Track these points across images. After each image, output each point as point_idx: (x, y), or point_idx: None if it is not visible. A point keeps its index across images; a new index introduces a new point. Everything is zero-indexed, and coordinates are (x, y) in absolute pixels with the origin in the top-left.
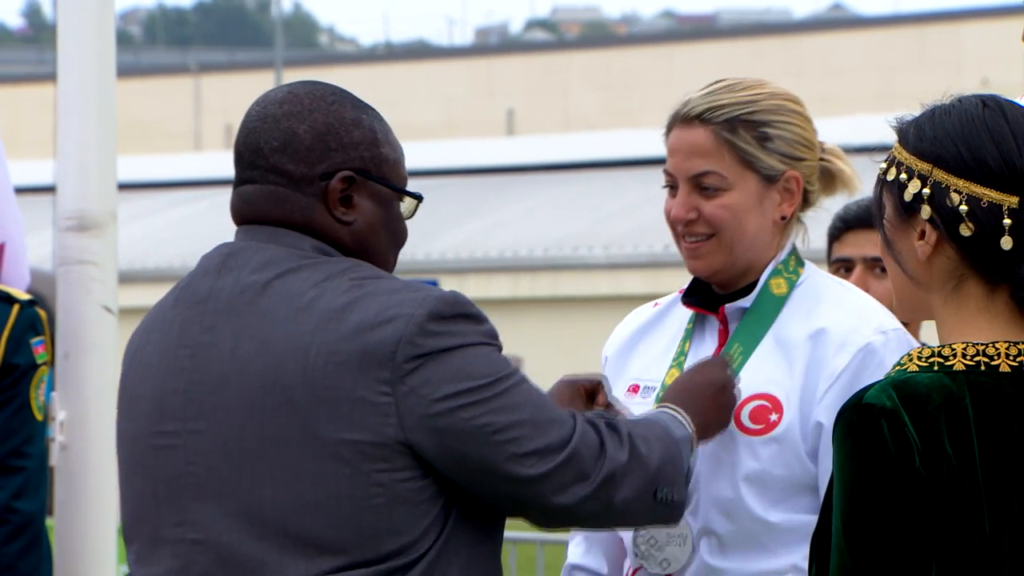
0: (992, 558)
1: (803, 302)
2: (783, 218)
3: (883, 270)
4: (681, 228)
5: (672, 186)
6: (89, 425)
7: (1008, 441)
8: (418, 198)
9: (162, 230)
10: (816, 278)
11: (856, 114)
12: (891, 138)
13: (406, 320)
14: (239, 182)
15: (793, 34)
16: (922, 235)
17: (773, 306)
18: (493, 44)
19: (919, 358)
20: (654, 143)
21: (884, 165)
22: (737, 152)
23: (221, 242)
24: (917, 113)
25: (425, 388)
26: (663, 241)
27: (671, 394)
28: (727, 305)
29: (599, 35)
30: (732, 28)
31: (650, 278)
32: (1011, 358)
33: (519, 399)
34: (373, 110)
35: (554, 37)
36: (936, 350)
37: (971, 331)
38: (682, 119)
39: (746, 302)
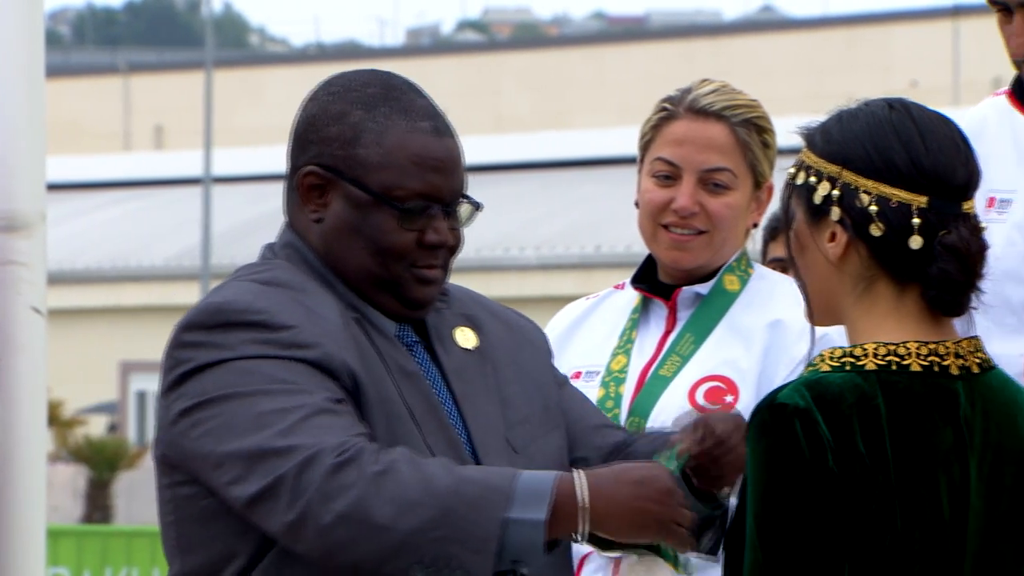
0: (903, 556)
1: (756, 296)
2: (755, 225)
3: None
4: (674, 218)
5: (668, 176)
6: (19, 427)
7: (919, 440)
8: (399, 208)
9: (91, 231)
10: (767, 275)
11: (786, 116)
12: None
13: (173, 331)
14: None
15: (723, 36)
16: (832, 237)
17: (726, 299)
18: (424, 45)
19: (831, 358)
20: (586, 144)
21: (792, 170)
22: (749, 154)
23: (150, 243)
24: (823, 118)
25: (176, 404)
26: (595, 242)
27: (603, 473)
28: (684, 288)
29: (530, 36)
30: (663, 30)
31: (582, 279)
32: (922, 357)
33: (240, 422)
34: (392, 108)
35: (485, 38)
36: (848, 350)
37: (882, 331)
38: (697, 112)
39: (703, 288)
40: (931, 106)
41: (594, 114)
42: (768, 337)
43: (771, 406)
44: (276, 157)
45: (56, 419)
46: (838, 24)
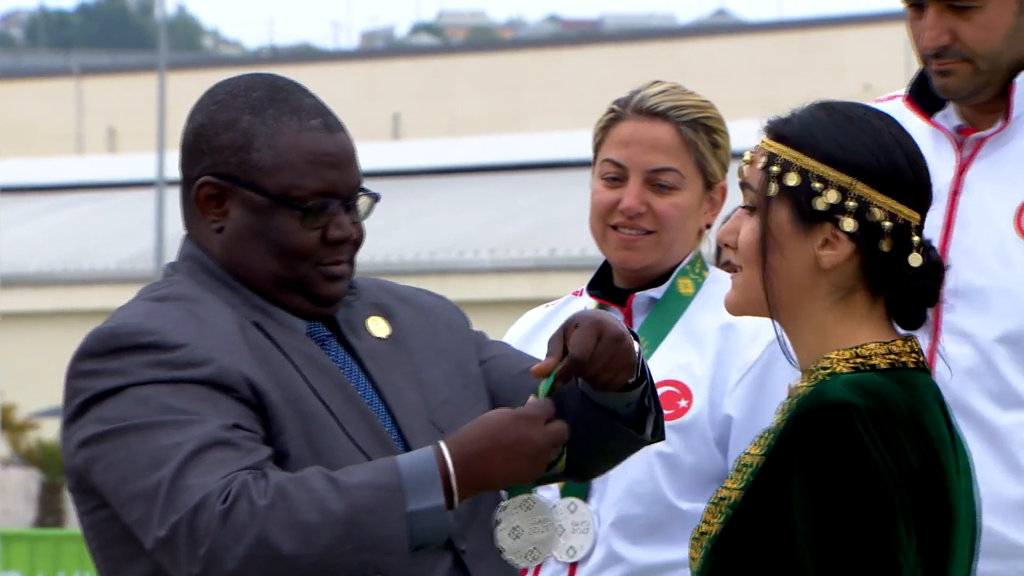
0: (942, 551)
1: (711, 299)
2: (708, 226)
3: None
4: (621, 219)
5: (616, 177)
6: None
7: (939, 435)
8: (299, 208)
9: (44, 234)
10: (722, 278)
11: (740, 119)
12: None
13: (71, 360)
14: None
15: (678, 39)
16: (826, 243)
17: (680, 303)
18: (379, 48)
19: (842, 360)
20: (540, 147)
21: (776, 169)
22: (696, 154)
23: (103, 246)
24: (788, 114)
25: (77, 434)
26: (549, 245)
27: (465, 433)
28: (637, 294)
29: (485, 39)
30: (617, 33)
31: (536, 282)
32: (915, 354)
33: (136, 459)
34: (280, 110)
35: (440, 41)
36: (854, 351)
37: (861, 336)
38: (643, 112)
39: (657, 292)
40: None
41: (549, 117)
42: (720, 341)
43: (832, 406)
44: None
45: (8, 423)
46: (792, 28)
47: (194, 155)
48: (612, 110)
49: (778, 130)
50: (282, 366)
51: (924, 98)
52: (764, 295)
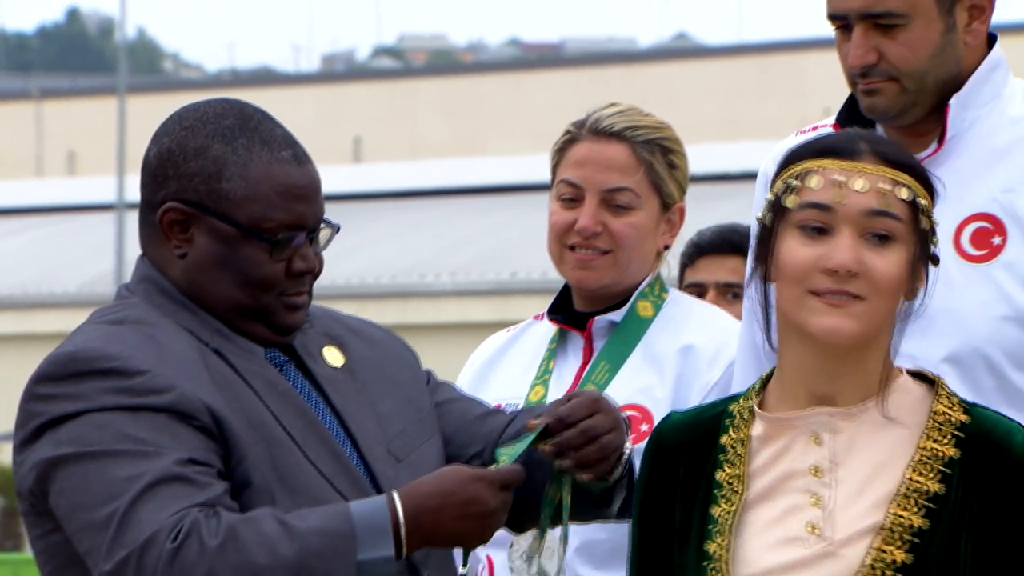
0: None
1: (670, 321)
2: (666, 247)
3: (736, 295)
4: (578, 239)
5: (572, 198)
6: None
7: None
8: (268, 240)
9: (3, 257)
10: (681, 300)
11: (700, 142)
12: (735, 167)
13: (27, 384)
14: None
15: (638, 63)
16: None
17: (640, 326)
18: (339, 71)
19: (943, 388)
20: (501, 170)
21: (924, 203)
22: (652, 174)
23: (63, 269)
24: (884, 139)
25: (32, 457)
26: (510, 269)
27: (416, 490)
28: (597, 318)
29: (446, 63)
30: (578, 56)
31: (497, 305)
32: None
33: (90, 488)
34: (251, 140)
35: (401, 64)
36: (925, 374)
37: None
38: (598, 133)
39: (616, 316)
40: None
41: (510, 140)
42: (680, 363)
43: None
44: None
45: None
46: (752, 51)
47: (159, 179)
48: (568, 132)
49: (898, 159)
50: (243, 392)
51: (854, 124)
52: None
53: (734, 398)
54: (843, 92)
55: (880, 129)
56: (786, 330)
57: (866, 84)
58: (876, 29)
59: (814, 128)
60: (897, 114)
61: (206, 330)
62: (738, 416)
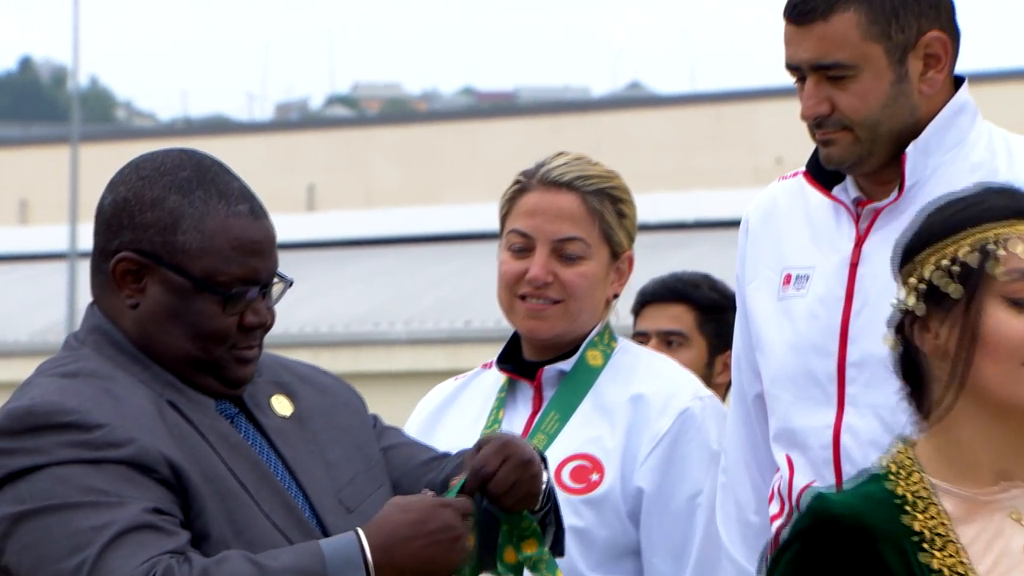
0: None
1: (620, 370)
2: (615, 296)
3: (676, 344)
4: (529, 288)
5: (523, 248)
6: None
7: None
8: (222, 294)
9: None
10: (630, 348)
11: (654, 192)
12: (688, 216)
13: None
14: None
15: (592, 112)
16: None
17: (590, 375)
18: (293, 120)
19: None
20: (455, 219)
21: None
22: (602, 223)
23: (15, 318)
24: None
25: None
26: (464, 317)
27: (381, 522)
28: (546, 367)
29: (400, 111)
30: (532, 105)
31: (451, 354)
32: None
33: (55, 540)
34: (208, 193)
35: (355, 113)
36: None
37: None
38: (548, 183)
39: (566, 365)
40: None
41: (464, 189)
42: (630, 413)
43: None
44: None
45: None
46: (705, 101)
47: (114, 228)
48: (518, 181)
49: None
50: (199, 445)
51: (824, 172)
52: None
53: (882, 477)
54: (796, 142)
55: (849, 179)
56: (974, 404)
57: (821, 134)
58: (828, 80)
59: (793, 175)
60: (853, 164)
61: (157, 382)
62: (912, 496)
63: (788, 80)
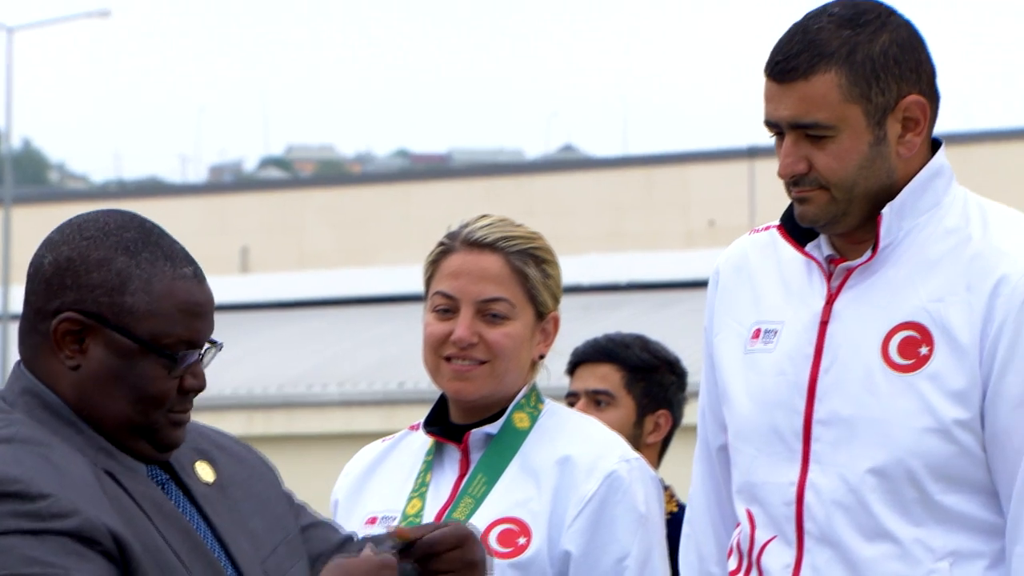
0: None
1: (546, 432)
2: (541, 356)
3: (603, 403)
4: (454, 350)
5: (447, 309)
6: None
7: None
8: (168, 357)
9: None
10: (557, 410)
11: (587, 253)
12: (621, 277)
13: None
14: None
15: (525, 174)
16: None
17: (516, 438)
18: (227, 182)
19: None
20: (389, 280)
21: None
22: (526, 284)
23: None
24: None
25: None
26: (398, 378)
27: None
28: (473, 431)
29: (334, 173)
30: (465, 168)
31: (385, 415)
32: None
33: None
34: (154, 255)
35: (289, 175)
36: None
37: None
38: (472, 244)
39: (493, 428)
40: (728, 245)
41: (398, 251)
42: (557, 475)
43: None
44: None
45: None
46: (637, 164)
47: (55, 288)
48: (442, 243)
49: None
50: (136, 516)
51: (797, 227)
52: None
53: None
54: (727, 205)
55: (823, 236)
56: None
57: (798, 192)
58: (806, 139)
59: (766, 228)
60: (828, 223)
61: (90, 447)
62: None
63: (720, 143)
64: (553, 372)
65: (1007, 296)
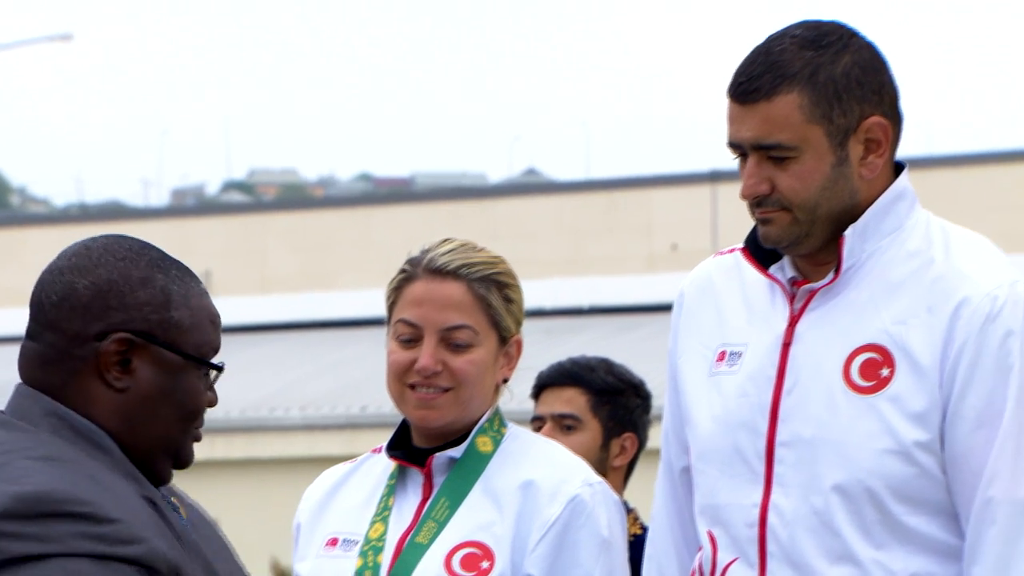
0: None
1: (509, 456)
2: (505, 380)
3: (569, 427)
4: (418, 378)
5: (411, 338)
6: None
7: None
8: (218, 368)
9: None
10: (520, 435)
11: (550, 277)
12: (584, 301)
13: None
14: (25, 336)
15: (488, 198)
16: None
17: (480, 462)
18: (189, 206)
19: None
20: (352, 304)
21: None
22: (489, 310)
23: None
24: None
25: None
26: (360, 403)
27: None
28: (437, 455)
29: (296, 197)
30: (428, 191)
31: (347, 439)
32: None
33: None
34: (179, 271)
35: (251, 199)
36: None
37: None
38: (434, 271)
39: (456, 452)
40: (691, 268)
41: (361, 274)
42: (520, 499)
43: None
44: None
45: None
46: (600, 188)
47: (96, 311)
48: (404, 271)
49: None
50: (176, 545)
51: (761, 249)
52: None
53: None
54: (690, 229)
55: (786, 258)
56: None
57: (760, 213)
58: (769, 160)
59: (730, 251)
60: (791, 244)
61: (120, 472)
62: None
63: (682, 167)
64: (517, 395)
65: (968, 318)
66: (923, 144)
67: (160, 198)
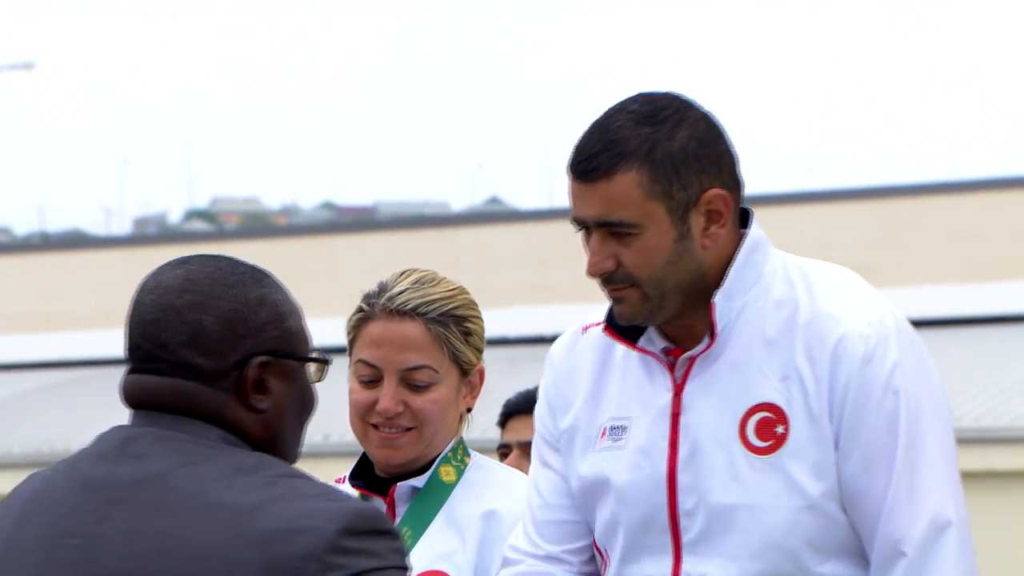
0: None
1: (473, 486)
2: (468, 410)
3: None
4: (380, 419)
5: (371, 379)
6: None
7: None
8: (325, 361)
9: None
10: (484, 464)
11: (513, 306)
12: (547, 329)
13: (317, 534)
14: (137, 371)
15: (451, 226)
16: None
17: (443, 491)
18: (151, 234)
19: None
20: (314, 333)
21: None
22: (449, 346)
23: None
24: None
25: None
26: (323, 431)
27: None
28: (399, 484)
29: (259, 226)
30: (391, 220)
31: (311, 467)
32: None
33: None
34: (269, 277)
35: (214, 227)
36: None
37: None
38: (391, 312)
39: (419, 482)
40: None
41: (323, 303)
42: (483, 528)
43: None
44: None
45: None
46: (563, 216)
47: (229, 342)
48: (362, 309)
49: None
50: None
51: (619, 325)
52: None
53: None
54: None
55: (652, 329)
56: None
57: (611, 291)
58: (613, 236)
59: (596, 324)
60: (645, 318)
61: None
62: None
63: None
64: (482, 425)
65: (847, 361)
66: (885, 173)
67: (122, 227)
